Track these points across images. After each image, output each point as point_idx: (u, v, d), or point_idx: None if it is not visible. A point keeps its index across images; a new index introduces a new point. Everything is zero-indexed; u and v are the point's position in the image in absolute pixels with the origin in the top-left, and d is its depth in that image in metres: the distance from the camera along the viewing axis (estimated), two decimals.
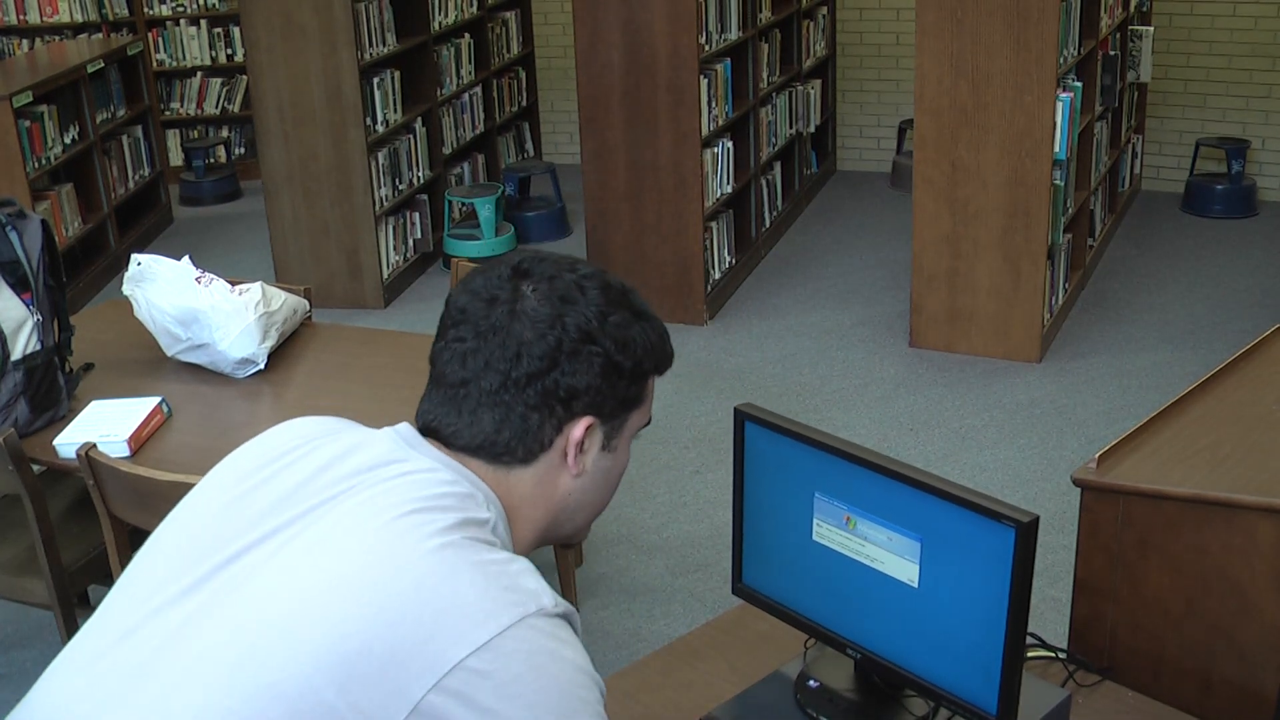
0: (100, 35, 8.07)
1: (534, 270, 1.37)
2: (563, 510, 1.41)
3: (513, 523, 1.37)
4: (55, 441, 2.89)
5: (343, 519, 1.26)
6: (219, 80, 8.36)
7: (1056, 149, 4.93)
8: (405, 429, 1.38)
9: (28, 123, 5.92)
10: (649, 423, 1.47)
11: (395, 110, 6.17)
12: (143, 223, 7.20)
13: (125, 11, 8.13)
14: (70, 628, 2.94)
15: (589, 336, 1.34)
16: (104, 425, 2.91)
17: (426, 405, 1.39)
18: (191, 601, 1.25)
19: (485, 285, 1.36)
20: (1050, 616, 3.38)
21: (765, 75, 6.35)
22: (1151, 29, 6.55)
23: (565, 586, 3.64)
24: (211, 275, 3.31)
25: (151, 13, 8.17)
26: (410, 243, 6.41)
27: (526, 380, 1.32)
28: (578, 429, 1.36)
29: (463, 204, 6.61)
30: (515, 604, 1.21)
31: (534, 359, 1.32)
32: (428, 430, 1.38)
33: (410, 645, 1.17)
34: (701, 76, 5.40)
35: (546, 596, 1.24)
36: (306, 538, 1.26)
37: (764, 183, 6.47)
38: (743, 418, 1.88)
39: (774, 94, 6.53)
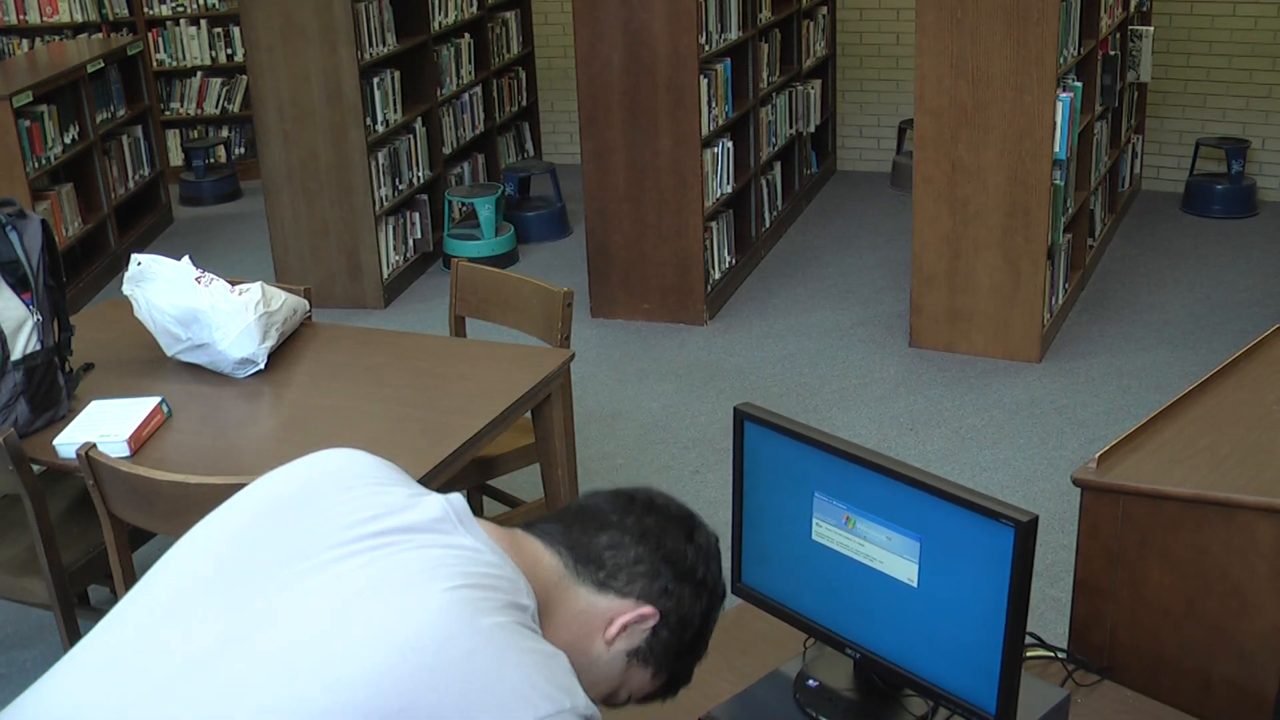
0: (100, 35, 8.07)
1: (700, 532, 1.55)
2: (571, 655, 1.38)
3: (544, 626, 1.37)
4: (55, 441, 2.89)
5: (395, 573, 1.27)
6: (219, 80, 8.36)
7: (1056, 149, 4.93)
8: (456, 499, 1.39)
9: (28, 123, 5.93)
10: (648, 699, 1.53)
11: (395, 110, 6.17)
12: (143, 223, 7.20)
13: (125, 11, 8.13)
14: (70, 628, 2.94)
15: (712, 594, 1.51)
16: (104, 425, 2.91)
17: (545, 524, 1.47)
18: (228, 621, 1.24)
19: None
20: (1050, 616, 3.38)
21: (765, 75, 6.35)
22: (1151, 29, 6.55)
23: None
24: (211, 275, 3.31)
25: (151, 13, 8.17)
26: (410, 243, 6.41)
27: (657, 547, 1.45)
28: (645, 609, 1.43)
29: (463, 204, 6.61)
30: (553, 698, 1.23)
31: (676, 553, 1.47)
32: (530, 528, 1.45)
33: (450, 715, 1.18)
34: (701, 76, 5.40)
35: (580, 697, 1.27)
36: (356, 580, 1.26)
37: (764, 183, 6.47)
38: (742, 418, 1.88)
39: (774, 94, 6.53)
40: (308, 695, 1.17)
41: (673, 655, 1.48)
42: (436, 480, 2.83)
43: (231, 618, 1.25)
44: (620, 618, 1.42)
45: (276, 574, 1.28)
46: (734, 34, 5.87)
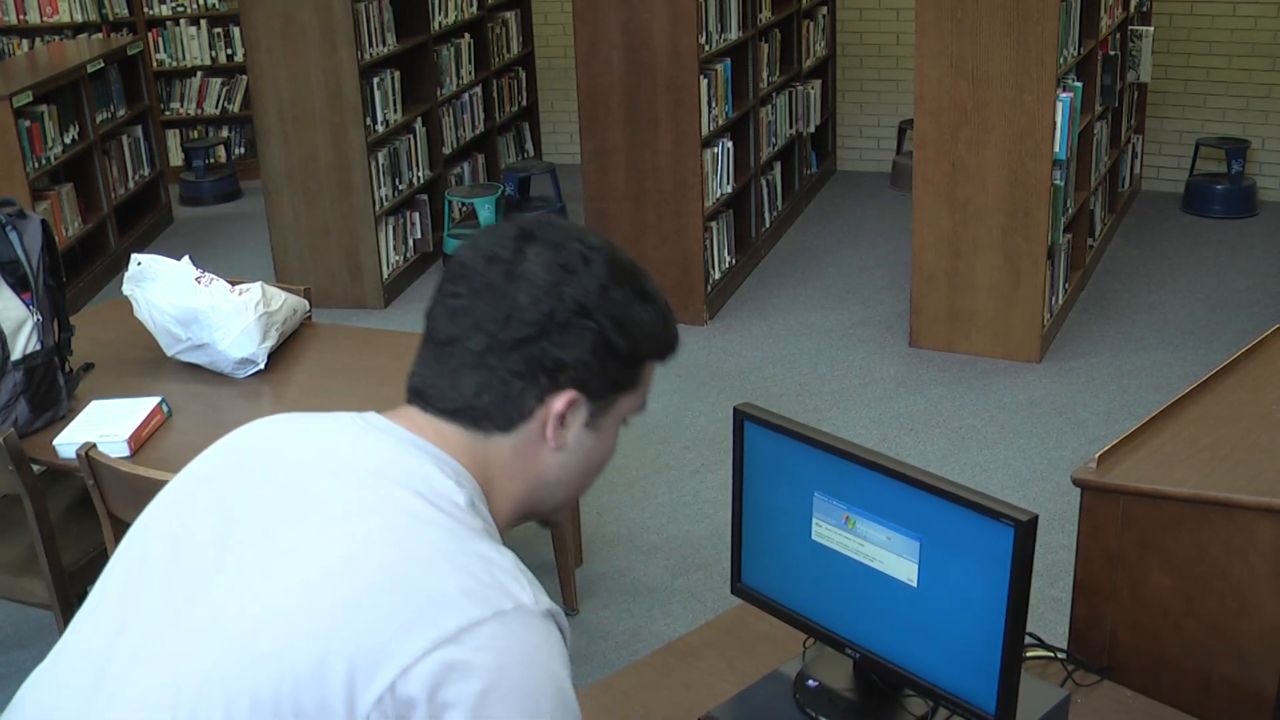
0: (100, 35, 8.07)
1: (541, 234, 1.32)
2: (541, 485, 1.36)
3: (489, 495, 1.33)
4: (55, 441, 2.89)
5: (313, 518, 1.24)
6: (219, 80, 8.36)
7: (1056, 149, 4.93)
8: (372, 416, 1.35)
9: (28, 123, 5.93)
10: (643, 409, 1.41)
11: (395, 110, 6.17)
12: (143, 223, 7.20)
13: (125, 11, 8.13)
14: None
15: (585, 310, 1.29)
16: (104, 425, 2.91)
17: (415, 365, 1.35)
18: (166, 600, 1.24)
19: (489, 243, 1.32)
20: (1050, 616, 3.38)
21: (765, 75, 6.35)
22: (1151, 29, 6.55)
23: (565, 586, 3.64)
24: (211, 275, 3.31)
25: (151, 13, 8.17)
26: (410, 243, 6.41)
27: (513, 345, 1.28)
28: (559, 401, 1.30)
29: (463, 204, 6.61)
30: (490, 599, 1.18)
31: (524, 324, 1.27)
32: (415, 392, 1.34)
33: (381, 636, 1.15)
34: (701, 76, 5.40)
35: (526, 594, 1.21)
36: (278, 541, 1.24)
37: (764, 183, 6.47)
38: (742, 418, 1.88)
39: (774, 94, 6.53)
40: (242, 654, 1.16)
41: (622, 377, 1.34)
42: None
43: (172, 593, 1.25)
44: (547, 429, 1.32)
45: (216, 541, 1.26)
46: (734, 34, 5.87)
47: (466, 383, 1.30)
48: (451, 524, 1.24)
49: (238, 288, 3.30)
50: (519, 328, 1.28)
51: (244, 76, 8.09)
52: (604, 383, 1.33)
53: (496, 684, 1.16)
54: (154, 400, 3.01)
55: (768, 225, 6.57)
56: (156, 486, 2.53)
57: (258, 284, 3.34)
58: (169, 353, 3.30)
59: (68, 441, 2.86)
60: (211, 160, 8.14)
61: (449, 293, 1.31)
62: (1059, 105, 4.87)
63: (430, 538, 1.22)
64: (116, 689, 1.21)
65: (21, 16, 8.09)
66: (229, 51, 8.26)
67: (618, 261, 1.32)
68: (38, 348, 2.99)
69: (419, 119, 6.43)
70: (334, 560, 1.20)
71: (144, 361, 3.34)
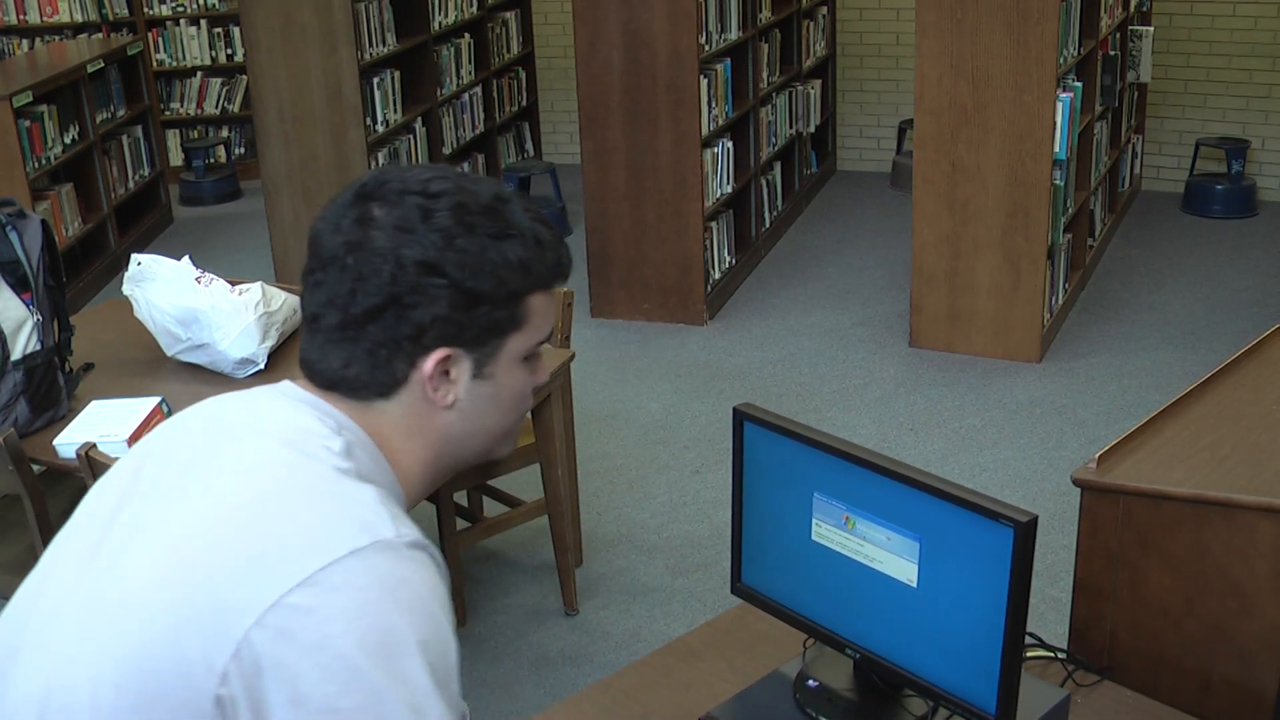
0: (100, 35, 8.07)
1: (379, 193, 1.27)
2: (447, 442, 1.33)
3: (389, 455, 1.30)
4: (55, 441, 2.89)
5: (190, 485, 1.25)
6: (219, 80, 8.36)
7: (1056, 149, 4.93)
8: (284, 384, 1.34)
9: (28, 123, 5.93)
10: (549, 338, 1.36)
11: (395, 110, 6.17)
12: (143, 223, 7.20)
13: (125, 11, 8.13)
14: None
15: (430, 267, 1.24)
16: (104, 425, 2.91)
17: (300, 339, 1.34)
18: (66, 577, 1.27)
19: (332, 213, 1.29)
20: (1050, 616, 3.38)
21: (765, 75, 6.35)
22: (1151, 29, 6.55)
23: (565, 586, 3.64)
24: (211, 275, 3.31)
25: (151, 13, 8.17)
26: None
27: (365, 317, 1.25)
28: (429, 363, 1.27)
29: None
30: (345, 536, 1.15)
31: (370, 295, 1.24)
32: (301, 365, 1.33)
33: (231, 589, 1.13)
34: (701, 76, 5.40)
35: (387, 527, 1.18)
36: (152, 513, 1.24)
37: (764, 183, 6.47)
38: (742, 418, 1.87)
39: (774, 94, 6.53)
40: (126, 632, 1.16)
41: (499, 319, 1.29)
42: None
43: (70, 569, 1.27)
44: (429, 389, 1.29)
45: (112, 517, 1.28)
46: (734, 34, 5.87)
47: (333, 357, 1.28)
48: (317, 467, 1.22)
49: (238, 288, 3.30)
50: (366, 299, 1.25)
51: (244, 76, 8.09)
52: (478, 331, 1.28)
53: (355, 624, 1.13)
54: (154, 400, 3.01)
55: (768, 225, 6.57)
56: None
57: (258, 284, 3.34)
58: (169, 353, 3.30)
59: (68, 441, 2.86)
60: (211, 160, 8.14)
61: (306, 268, 1.30)
62: (1059, 105, 4.87)
63: (290, 484, 1.21)
64: (19, 667, 1.23)
65: (21, 16, 8.09)
66: (229, 51, 8.26)
67: (465, 206, 1.26)
68: (38, 348, 2.99)
69: (419, 119, 6.43)
70: (192, 523, 1.20)
71: (144, 361, 3.34)
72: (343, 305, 1.25)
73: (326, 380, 1.30)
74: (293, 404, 1.30)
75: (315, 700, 1.11)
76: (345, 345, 1.27)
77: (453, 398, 1.30)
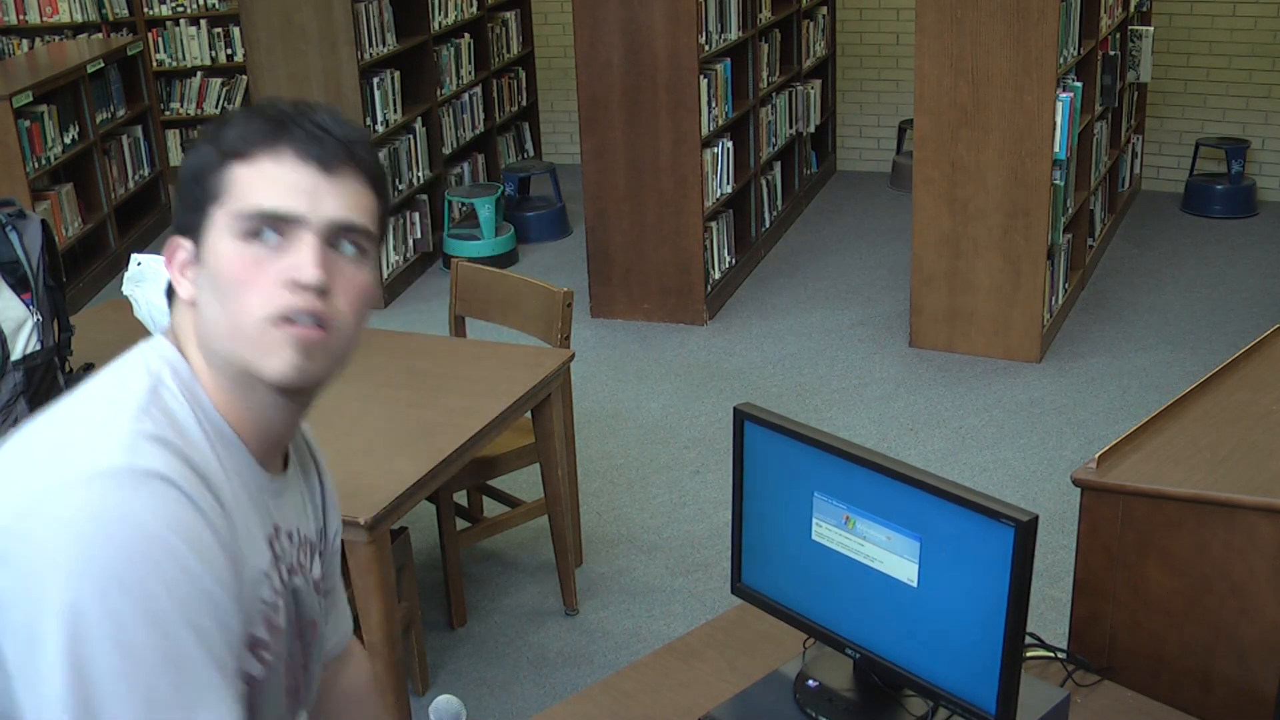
0: (100, 35, 8.07)
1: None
2: (203, 343, 1.32)
3: (197, 372, 1.32)
4: None
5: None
6: (219, 80, 8.35)
7: (1056, 149, 4.93)
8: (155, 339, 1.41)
9: (28, 123, 5.92)
10: (256, 205, 1.26)
11: (395, 110, 6.17)
12: (143, 223, 7.19)
13: (125, 11, 8.13)
14: None
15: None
16: None
17: None
18: None
19: None
20: (1050, 616, 3.39)
21: (765, 75, 6.35)
22: (1151, 29, 6.55)
23: (565, 586, 3.64)
24: None
25: (151, 13, 8.17)
26: (410, 243, 6.41)
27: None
28: (168, 259, 1.35)
29: (463, 204, 6.61)
30: (63, 473, 1.15)
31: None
32: None
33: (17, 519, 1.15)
34: (701, 76, 5.40)
35: (118, 455, 1.16)
36: None
37: (764, 183, 6.47)
38: (742, 418, 1.88)
39: (774, 94, 6.53)
40: None
41: (197, 195, 1.30)
42: (436, 480, 2.82)
43: None
44: (179, 290, 1.34)
45: None
46: (734, 34, 5.87)
47: None
48: (86, 412, 1.25)
49: None
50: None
51: (244, 76, 8.09)
52: (186, 214, 1.31)
53: (59, 560, 1.10)
54: None
55: (768, 225, 6.57)
56: None
57: None
58: None
59: None
60: None
61: None
62: (1059, 105, 4.87)
63: (50, 434, 1.23)
64: None
65: (21, 16, 8.09)
66: (229, 51, 8.26)
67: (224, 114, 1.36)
68: (38, 348, 2.99)
69: (419, 119, 6.43)
70: None
71: None
72: None
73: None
74: (136, 352, 1.36)
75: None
76: None
77: (189, 290, 1.33)
